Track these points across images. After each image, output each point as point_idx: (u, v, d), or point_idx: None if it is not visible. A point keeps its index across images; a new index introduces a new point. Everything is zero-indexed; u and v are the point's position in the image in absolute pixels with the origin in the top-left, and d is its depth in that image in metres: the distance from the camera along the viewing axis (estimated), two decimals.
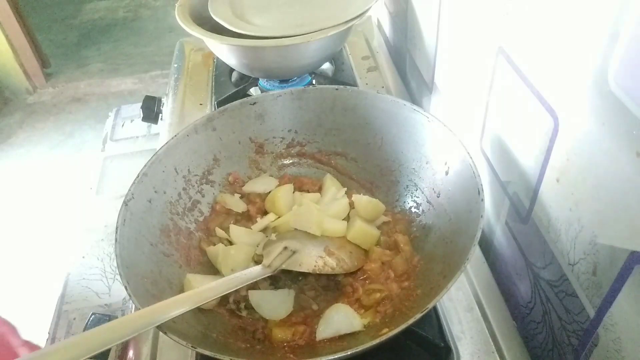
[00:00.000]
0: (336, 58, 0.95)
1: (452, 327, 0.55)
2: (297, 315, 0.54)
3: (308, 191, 0.67)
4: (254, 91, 0.89)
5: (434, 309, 0.56)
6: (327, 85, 0.68)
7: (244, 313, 0.55)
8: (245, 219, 0.65)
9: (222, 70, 0.95)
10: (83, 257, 0.78)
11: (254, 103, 0.66)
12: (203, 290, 0.50)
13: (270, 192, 0.66)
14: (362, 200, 0.61)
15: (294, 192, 0.66)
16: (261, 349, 0.51)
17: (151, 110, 0.97)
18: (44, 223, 1.80)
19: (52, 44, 2.91)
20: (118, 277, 0.47)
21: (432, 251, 0.56)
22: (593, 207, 0.41)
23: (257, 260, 0.58)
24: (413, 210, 0.62)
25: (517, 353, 0.54)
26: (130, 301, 0.46)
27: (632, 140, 0.35)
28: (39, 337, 1.05)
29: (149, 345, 0.57)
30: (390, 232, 0.61)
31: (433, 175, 0.60)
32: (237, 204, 0.65)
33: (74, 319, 0.70)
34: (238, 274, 0.53)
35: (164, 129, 0.88)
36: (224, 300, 0.55)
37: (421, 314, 0.42)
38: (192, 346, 0.42)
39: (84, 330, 0.61)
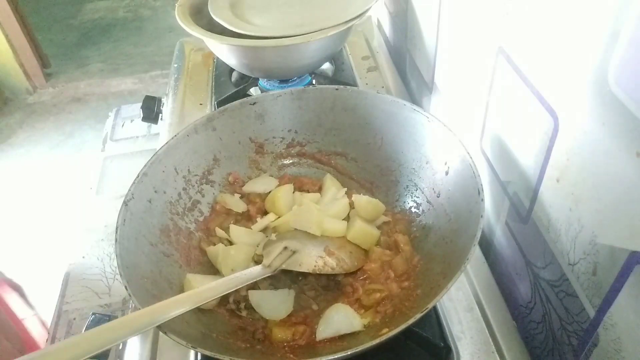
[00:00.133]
0: (336, 58, 0.95)
1: (452, 327, 0.55)
2: (297, 315, 0.54)
3: (308, 191, 0.67)
4: (254, 91, 0.89)
5: (434, 309, 0.56)
6: (327, 85, 0.68)
7: (244, 313, 0.55)
8: (245, 219, 0.65)
9: (222, 70, 0.95)
10: (83, 257, 0.78)
11: (254, 103, 0.66)
12: (203, 290, 0.50)
13: (270, 192, 0.66)
14: (362, 200, 0.61)
15: (294, 192, 0.66)
16: (261, 349, 0.51)
17: (151, 110, 0.97)
18: (44, 223, 1.80)
19: (52, 44, 2.91)
20: (118, 277, 0.47)
21: (432, 251, 0.56)
22: (593, 207, 0.41)
23: (257, 260, 0.58)
24: (413, 210, 0.62)
25: (517, 353, 0.54)
26: (130, 301, 0.46)
27: (632, 140, 0.35)
28: (39, 337, 1.05)
29: (149, 345, 0.57)
30: (390, 232, 0.61)
31: (433, 175, 0.60)
32: (237, 204, 0.65)
33: (74, 319, 0.70)
34: (238, 274, 0.53)
35: (164, 129, 0.88)
36: (224, 300, 0.55)
37: (421, 314, 0.42)
38: (192, 346, 0.42)
39: (84, 330, 0.61)
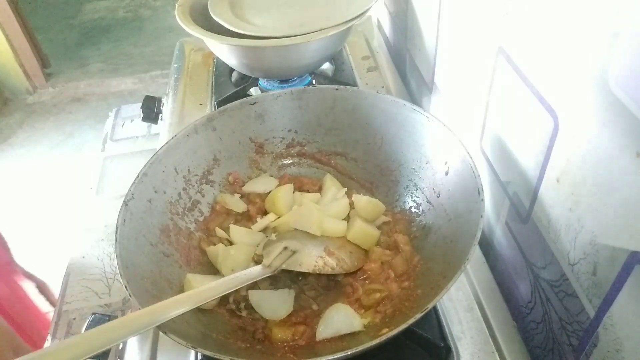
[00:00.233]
0: (336, 58, 0.95)
1: (452, 327, 0.55)
2: (297, 315, 0.54)
3: (308, 191, 0.67)
4: (254, 91, 0.89)
5: (434, 309, 0.56)
6: (327, 85, 0.68)
7: (244, 313, 0.55)
8: (245, 219, 0.65)
9: (222, 70, 0.95)
10: (83, 257, 0.78)
11: (254, 103, 0.66)
12: (203, 290, 0.50)
13: (270, 192, 0.66)
14: (362, 200, 0.61)
15: (294, 192, 0.66)
16: (261, 349, 0.51)
17: (151, 110, 0.96)
18: (44, 223, 1.80)
19: (52, 44, 2.91)
20: (118, 277, 0.47)
21: (432, 251, 0.56)
22: (593, 207, 0.41)
23: (257, 260, 0.58)
24: (413, 210, 0.62)
25: (517, 353, 0.54)
26: (130, 301, 0.46)
27: (632, 140, 0.35)
28: (40, 338, 1.05)
29: (149, 345, 0.57)
30: (390, 232, 0.61)
31: (433, 175, 0.60)
32: (237, 204, 0.65)
33: (74, 319, 0.70)
34: (238, 274, 0.53)
35: (164, 129, 0.88)
36: (224, 300, 0.55)
37: (421, 314, 0.42)
38: (192, 346, 0.42)
39: (84, 330, 0.61)
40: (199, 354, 0.54)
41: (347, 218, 0.62)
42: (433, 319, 0.54)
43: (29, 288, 1.12)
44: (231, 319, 0.54)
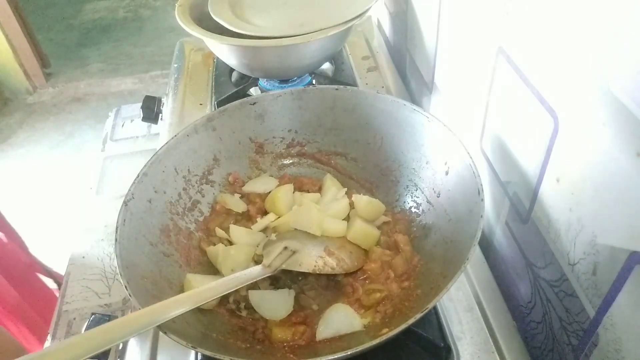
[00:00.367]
0: (336, 58, 0.95)
1: (452, 327, 0.55)
2: (297, 315, 0.54)
3: (308, 191, 0.67)
4: (254, 91, 0.89)
5: (434, 309, 0.56)
6: (327, 85, 0.68)
7: (244, 313, 0.55)
8: (245, 219, 0.65)
9: (222, 70, 0.95)
10: (83, 257, 0.78)
11: (254, 103, 0.66)
12: (203, 290, 0.50)
13: (270, 192, 0.66)
14: (362, 200, 0.61)
15: (294, 192, 0.66)
16: (261, 349, 0.51)
17: (151, 110, 0.96)
18: (43, 223, 1.80)
19: (52, 44, 2.92)
20: (118, 277, 0.47)
21: (432, 251, 0.56)
22: (593, 207, 0.41)
23: (257, 260, 0.58)
24: (413, 210, 0.62)
25: (517, 353, 0.54)
26: (130, 301, 0.46)
27: (632, 140, 0.35)
28: (40, 338, 1.05)
29: (149, 345, 0.57)
30: (390, 232, 0.61)
31: (433, 175, 0.60)
32: (237, 204, 0.65)
33: (74, 319, 0.70)
34: (238, 274, 0.53)
35: (164, 129, 0.88)
36: (224, 300, 0.55)
37: (421, 314, 0.42)
38: (192, 346, 0.42)
39: (84, 330, 0.61)
40: (199, 354, 0.54)
41: (347, 218, 0.62)
42: (433, 319, 0.54)
43: (53, 286, 1.13)
44: (231, 319, 0.54)
